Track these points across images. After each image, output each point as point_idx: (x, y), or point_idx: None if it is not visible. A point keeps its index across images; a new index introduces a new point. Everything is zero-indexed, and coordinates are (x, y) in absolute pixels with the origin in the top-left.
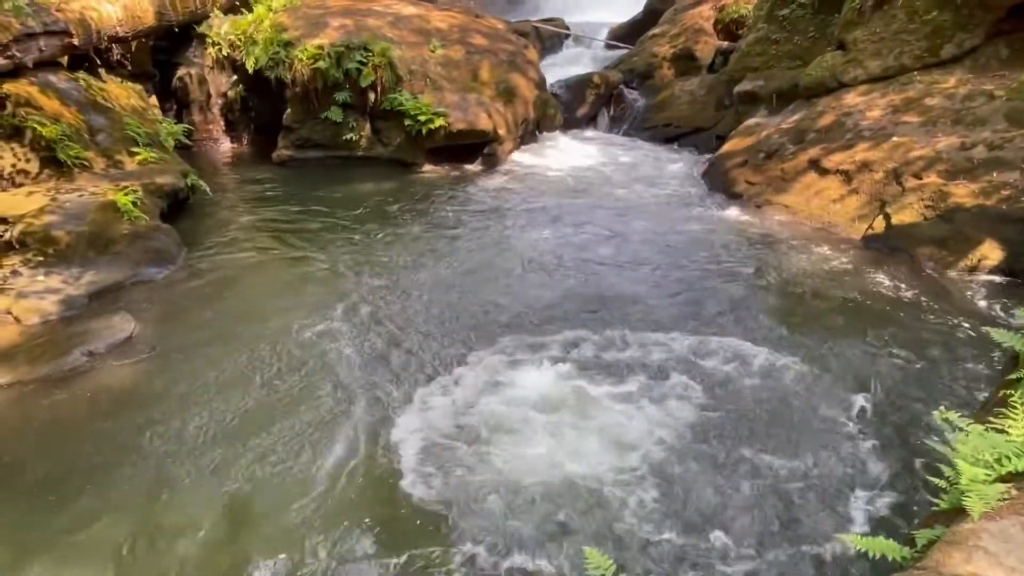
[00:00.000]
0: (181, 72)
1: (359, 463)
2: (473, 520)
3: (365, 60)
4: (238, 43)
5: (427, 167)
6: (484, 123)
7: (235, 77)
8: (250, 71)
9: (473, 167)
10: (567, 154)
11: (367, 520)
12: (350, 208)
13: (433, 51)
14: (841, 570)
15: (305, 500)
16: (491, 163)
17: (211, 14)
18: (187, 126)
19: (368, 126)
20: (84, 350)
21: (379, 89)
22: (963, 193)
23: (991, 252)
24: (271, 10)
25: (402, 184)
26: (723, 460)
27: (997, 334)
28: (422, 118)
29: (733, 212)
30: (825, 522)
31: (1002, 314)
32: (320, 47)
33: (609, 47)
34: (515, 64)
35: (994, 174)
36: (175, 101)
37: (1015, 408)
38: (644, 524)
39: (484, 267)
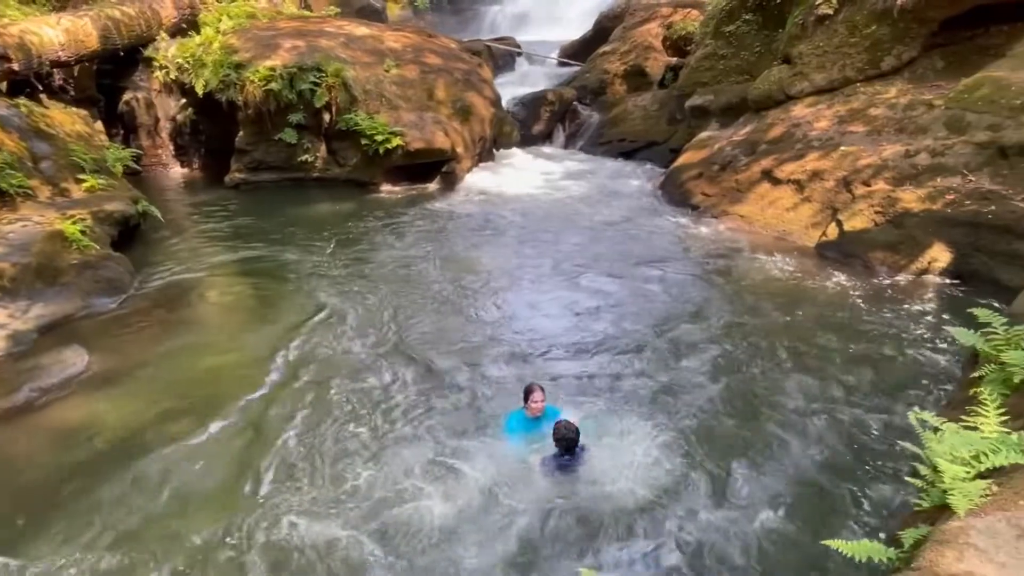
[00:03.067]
0: (128, 96)
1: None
2: None
3: (319, 81)
4: (186, 66)
5: (385, 187)
6: (442, 141)
7: (184, 100)
8: (200, 94)
9: (432, 186)
10: (525, 171)
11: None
12: (307, 231)
13: (388, 71)
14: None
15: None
16: (450, 181)
17: (157, 37)
18: (135, 151)
19: (324, 147)
20: (34, 386)
21: (334, 110)
22: (910, 199)
23: (940, 255)
24: (220, 32)
25: (360, 205)
26: (695, 463)
27: (959, 334)
28: (379, 138)
29: (691, 224)
30: (804, 527)
31: (954, 314)
32: (272, 68)
33: (561, 64)
34: (470, 82)
35: (938, 179)
36: (122, 126)
37: (985, 405)
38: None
39: (445, 292)
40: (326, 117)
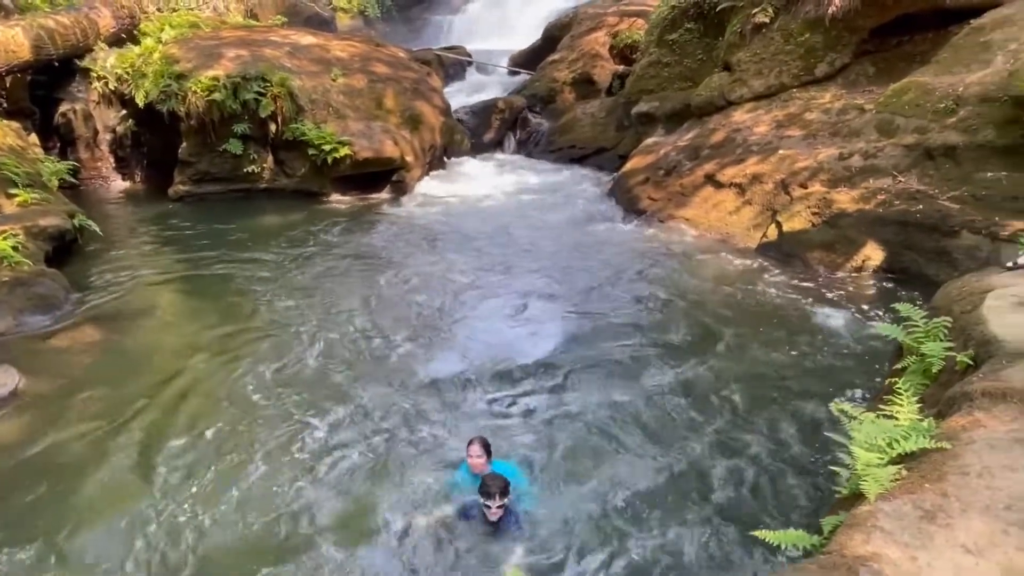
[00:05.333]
0: (64, 108)
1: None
2: None
3: (264, 90)
4: (126, 76)
5: (334, 196)
6: (391, 150)
7: (124, 112)
8: (140, 105)
9: (382, 195)
10: (476, 178)
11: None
12: (254, 243)
13: (335, 80)
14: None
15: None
16: (400, 190)
17: (95, 47)
18: (72, 164)
19: (270, 157)
20: None
21: (280, 119)
22: (845, 200)
23: (873, 253)
24: (161, 42)
25: (309, 215)
26: (631, 455)
27: (883, 328)
28: (327, 147)
29: (638, 227)
30: (739, 520)
31: (887, 309)
32: (215, 78)
33: (511, 73)
34: (419, 91)
35: (870, 181)
36: (58, 139)
37: (901, 395)
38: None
39: (395, 301)
40: (272, 127)
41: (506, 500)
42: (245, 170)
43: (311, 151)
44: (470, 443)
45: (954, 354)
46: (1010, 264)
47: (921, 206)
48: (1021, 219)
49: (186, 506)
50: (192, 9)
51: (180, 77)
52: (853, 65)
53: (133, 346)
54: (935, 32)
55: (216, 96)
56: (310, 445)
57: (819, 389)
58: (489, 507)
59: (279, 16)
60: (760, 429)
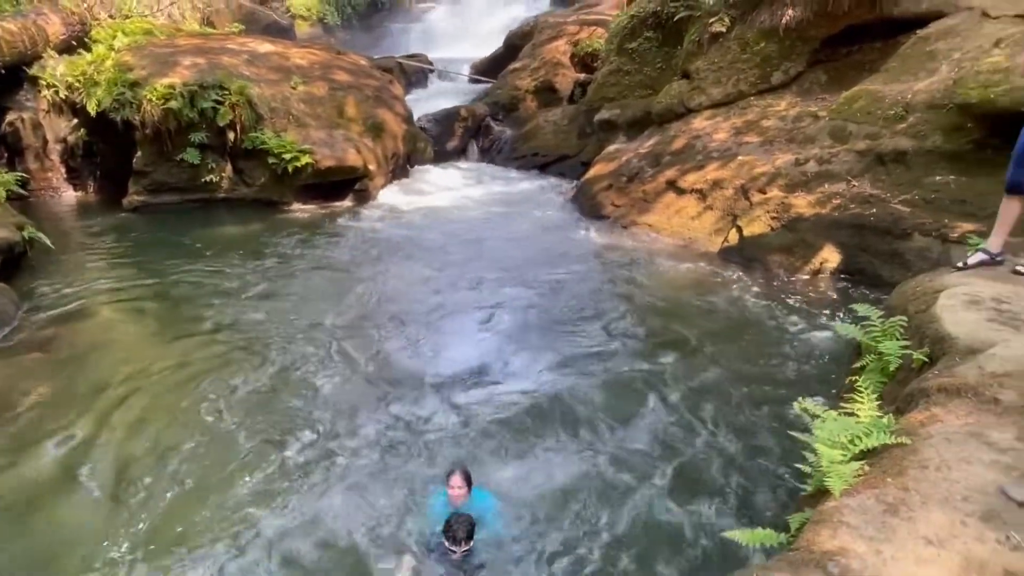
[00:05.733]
0: (11, 117)
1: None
2: None
3: (222, 99)
4: (77, 85)
5: (296, 206)
6: (353, 159)
7: (75, 121)
8: (92, 114)
9: (344, 204)
10: (440, 186)
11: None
12: (212, 255)
13: (295, 88)
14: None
15: None
16: (363, 199)
17: (44, 55)
18: (21, 175)
19: (229, 166)
20: None
21: (239, 128)
22: (802, 204)
23: (831, 255)
24: (113, 49)
25: (269, 225)
26: (604, 460)
27: (841, 328)
28: (287, 156)
29: (602, 234)
30: (709, 523)
31: (845, 309)
32: (171, 86)
33: (473, 81)
34: (381, 99)
35: (826, 185)
36: (6, 149)
37: (861, 392)
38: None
39: (360, 314)
40: (231, 136)
41: (470, 545)
42: (203, 180)
43: (271, 160)
44: (451, 473)
45: (910, 352)
46: (960, 264)
47: (874, 210)
48: (968, 221)
49: (139, 530)
50: (146, 16)
51: (134, 85)
52: (807, 73)
53: (86, 362)
54: (883, 42)
55: (172, 104)
56: (271, 467)
57: (783, 389)
58: (454, 552)
59: (236, 24)
60: (727, 431)
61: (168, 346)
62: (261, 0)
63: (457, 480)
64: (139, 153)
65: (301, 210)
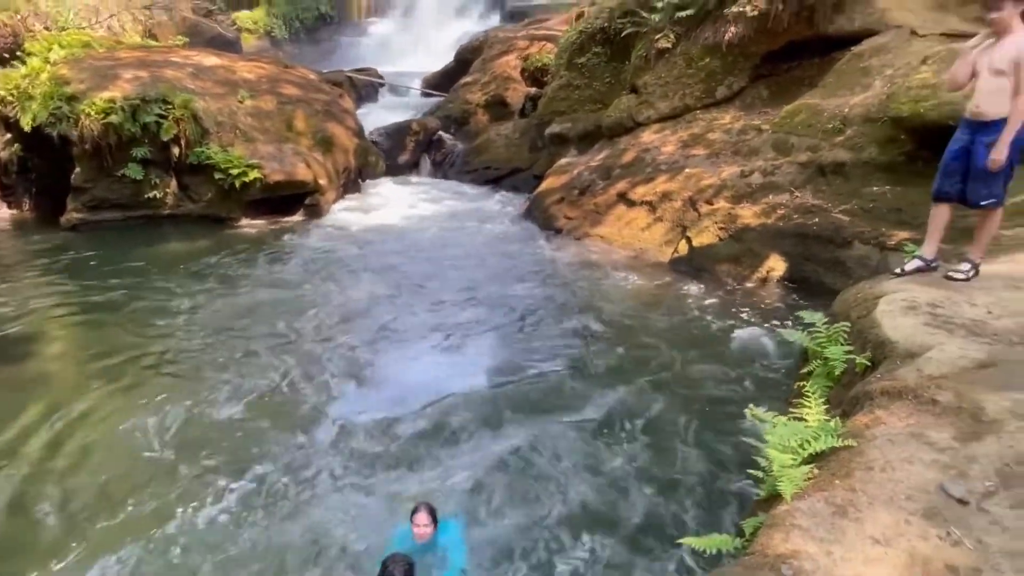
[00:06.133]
0: None
1: None
2: None
3: (165, 113)
4: (10, 99)
5: (244, 221)
6: (303, 173)
7: (8, 136)
8: (27, 129)
9: (295, 219)
10: (392, 201)
11: None
12: (156, 273)
13: (242, 102)
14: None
15: None
16: (314, 214)
17: None
18: None
19: (174, 182)
20: None
21: (183, 142)
22: (748, 215)
23: (776, 264)
24: (49, 62)
25: (217, 242)
26: (557, 464)
27: (788, 334)
28: (234, 171)
29: (555, 246)
30: (666, 531)
31: (791, 316)
32: (112, 100)
33: (425, 95)
34: (331, 113)
35: (770, 196)
36: None
37: (809, 397)
38: None
39: (311, 335)
40: (175, 151)
41: None
42: (146, 196)
43: (218, 175)
44: (415, 511)
45: (854, 357)
46: (898, 271)
47: (816, 219)
48: (904, 229)
49: (70, 563)
50: (84, 28)
51: (72, 99)
52: (750, 88)
53: (19, 387)
54: (821, 58)
55: (113, 119)
56: (214, 500)
57: (734, 395)
58: None
59: (180, 37)
60: (681, 440)
61: (108, 370)
62: (206, 13)
63: (422, 518)
64: (77, 169)
65: (250, 226)
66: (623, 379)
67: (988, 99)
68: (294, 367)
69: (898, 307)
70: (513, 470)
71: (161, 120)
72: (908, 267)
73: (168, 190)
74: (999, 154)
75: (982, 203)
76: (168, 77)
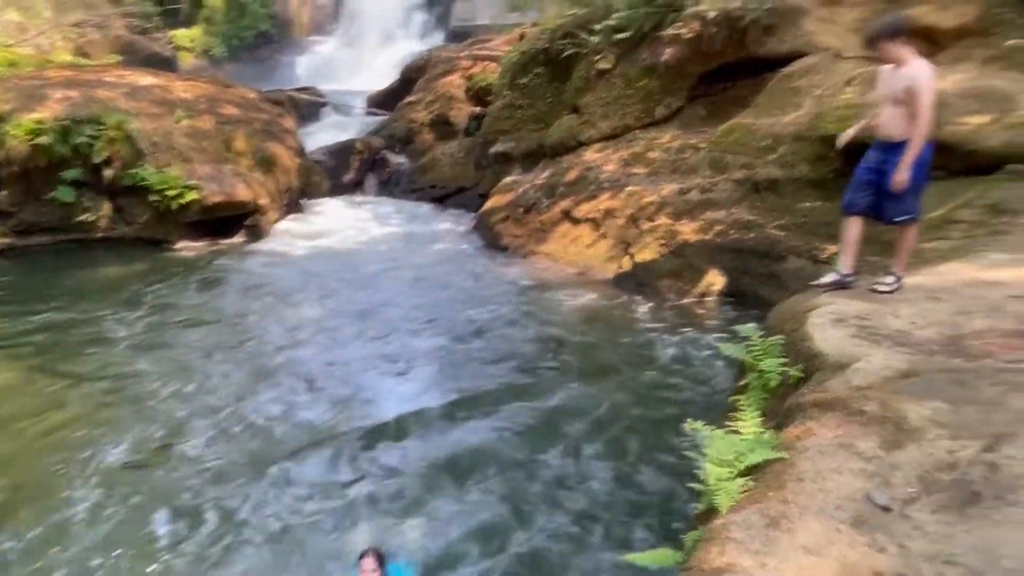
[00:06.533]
0: None
1: None
2: None
3: (97, 134)
4: None
5: (182, 244)
6: (243, 194)
7: None
8: None
9: (235, 240)
10: (336, 220)
11: None
12: (89, 300)
13: (178, 122)
14: None
15: None
16: (255, 235)
17: None
18: None
19: (108, 204)
20: None
21: (117, 164)
22: (687, 230)
23: (716, 278)
24: None
25: (153, 266)
26: (496, 482)
27: (725, 347)
28: (171, 192)
29: (500, 264)
30: (612, 548)
31: (730, 329)
32: (40, 121)
33: (369, 114)
34: (272, 133)
35: (708, 213)
36: None
37: (745, 410)
38: None
39: (252, 362)
40: (108, 172)
41: None
42: (78, 219)
43: (153, 197)
44: (362, 556)
45: (788, 369)
46: (814, 283)
47: (752, 234)
48: (834, 243)
49: None
50: (10, 46)
51: None
52: (687, 108)
53: None
54: (754, 79)
55: (42, 140)
56: (148, 547)
57: (678, 409)
58: None
59: (113, 55)
60: (627, 455)
61: (34, 404)
62: (141, 31)
63: (369, 563)
64: (4, 192)
65: (188, 248)
66: (568, 397)
67: (891, 123)
68: (233, 399)
69: (828, 320)
70: (463, 498)
71: (93, 141)
72: (824, 281)
73: (101, 213)
74: (900, 176)
75: (896, 219)
76: (101, 97)
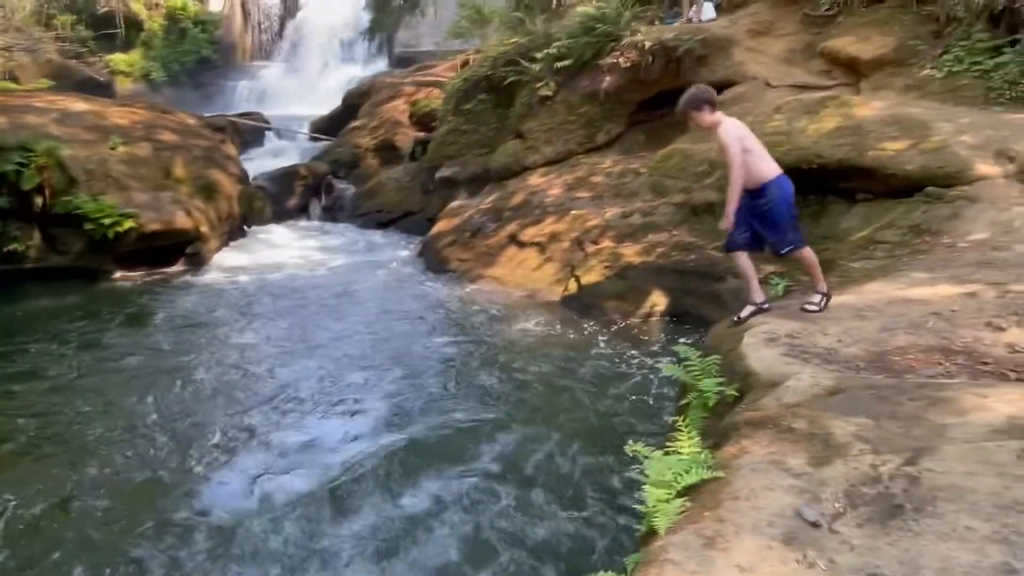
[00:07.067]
0: None
1: None
2: None
3: (26, 161)
4: None
5: (119, 274)
6: (183, 221)
7: None
8: None
9: (175, 269)
10: (280, 247)
11: None
12: (15, 335)
13: (114, 149)
14: None
15: None
16: (196, 263)
17: None
18: None
19: (37, 233)
20: None
21: (47, 192)
22: (631, 253)
23: (659, 299)
24: None
25: (88, 297)
26: (434, 506)
27: (667, 369)
28: (106, 221)
29: (448, 288)
30: (553, 573)
31: (673, 350)
32: None
33: (313, 139)
34: (212, 159)
35: (650, 235)
36: None
37: (683, 430)
38: None
39: (191, 399)
40: (38, 200)
41: None
42: (6, 249)
43: (88, 225)
44: None
45: (724, 388)
46: (735, 318)
47: (693, 256)
48: (770, 263)
49: None
50: None
51: None
52: (627, 133)
53: None
54: None
55: None
56: None
57: (622, 430)
58: None
59: (44, 80)
60: (572, 479)
61: None
62: (75, 55)
63: None
64: None
65: (125, 278)
66: (514, 421)
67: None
68: (169, 444)
69: (761, 339)
70: (413, 537)
71: (22, 168)
72: (743, 315)
73: (31, 243)
74: (727, 223)
75: (783, 251)
76: (30, 123)
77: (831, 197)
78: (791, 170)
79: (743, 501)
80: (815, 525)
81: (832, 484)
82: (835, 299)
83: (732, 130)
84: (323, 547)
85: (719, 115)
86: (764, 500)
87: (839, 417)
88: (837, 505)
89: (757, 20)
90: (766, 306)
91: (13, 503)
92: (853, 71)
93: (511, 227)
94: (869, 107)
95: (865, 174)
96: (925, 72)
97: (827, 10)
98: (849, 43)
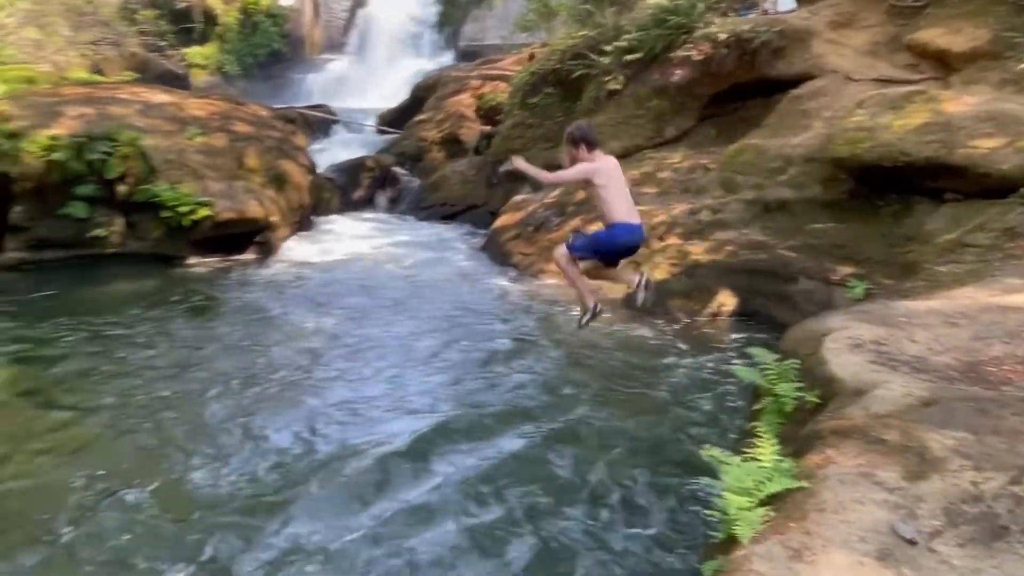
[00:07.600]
0: None
1: None
2: None
3: (112, 150)
4: None
5: (193, 260)
6: (255, 211)
7: None
8: None
9: (246, 257)
10: (347, 237)
11: None
12: (99, 316)
13: (191, 139)
14: None
15: None
16: (266, 251)
17: None
18: None
19: (121, 220)
20: None
21: (131, 181)
22: (698, 251)
23: (727, 299)
24: None
25: (165, 281)
26: (507, 513)
27: (740, 371)
28: (183, 209)
29: (511, 282)
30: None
31: (743, 350)
32: (55, 137)
33: (380, 132)
34: (284, 150)
35: (718, 233)
36: None
37: (762, 436)
38: None
39: (264, 379)
40: (122, 188)
41: None
42: (91, 235)
43: (165, 213)
44: None
45: (803, 394)
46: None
47: (763, 255)
48: (846, 265)
49: None
50: (27, 64)
51: (12, 136)
52: (697, 128)
53: None
54: (764, 99)
55: (57, 156)
56: None
57: (690, 433)
58: None
59: (128, 72)
60: (638, 481)
61: (43, 420)
62: (155, 48)
63: None
64: (18, 207)
65: (200, 264)
66: (577, 418)
67: None
68: (243, 413)
69: (844, 345)
70: (465, 521)
71: (107, 157)
72: (583, 321)
73: (114, 229)
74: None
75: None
76: (115, 114)
77: (916, 197)
78: (873, 167)
79: (831, 513)
80: (911, 542)
81: (929, 500)
82: (923, 304)
83: (583, 168)
84: (409, 554)
85: (581, 155)
86: (854, 513)
87: (935, 430)
88: (935, 523)
89: (839, 11)
90: (599, 310)
91: (99, 478)
92: (942, 65)
93: (575, 222)
94: (960, 102)
95: (955, 173)
96: (1023, 66)
97: (914, 1)
98: (938, 35)
